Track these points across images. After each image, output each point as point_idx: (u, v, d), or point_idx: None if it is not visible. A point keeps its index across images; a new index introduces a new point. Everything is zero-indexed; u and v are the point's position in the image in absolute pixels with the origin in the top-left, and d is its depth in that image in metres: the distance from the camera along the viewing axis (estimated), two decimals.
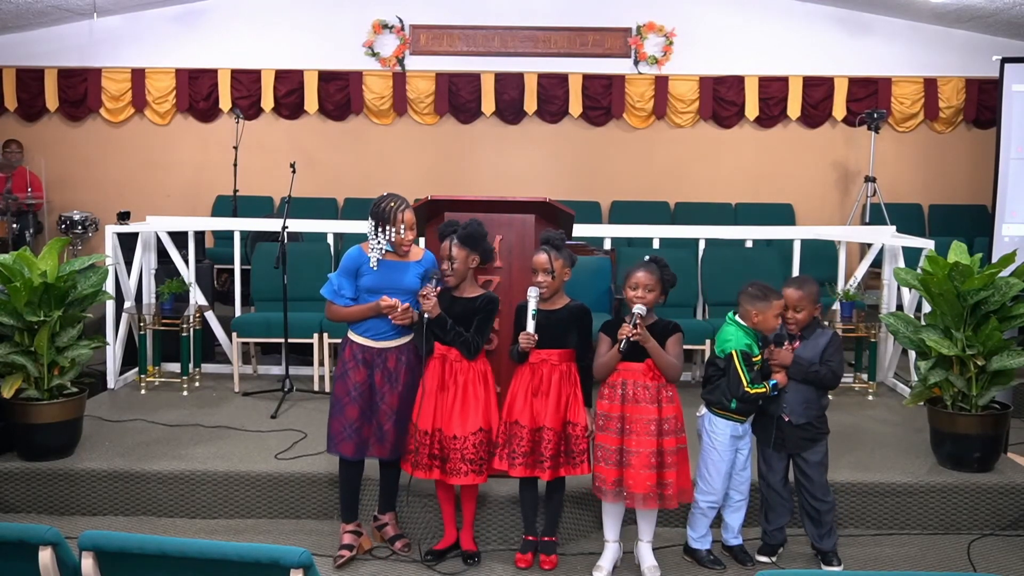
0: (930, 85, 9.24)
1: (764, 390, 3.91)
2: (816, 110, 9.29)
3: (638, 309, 3.76)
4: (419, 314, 3.91)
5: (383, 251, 3.95)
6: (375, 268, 3.94)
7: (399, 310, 3.87)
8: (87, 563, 2.51)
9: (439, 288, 3.91)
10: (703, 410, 4.04)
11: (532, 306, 3.87)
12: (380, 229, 3.91)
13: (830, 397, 4.09)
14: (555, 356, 3.90)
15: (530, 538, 4.05)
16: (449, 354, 3.95)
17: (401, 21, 9.21)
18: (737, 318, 3.96)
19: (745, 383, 3.87)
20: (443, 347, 3.96)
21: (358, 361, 3.96)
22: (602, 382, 3.88)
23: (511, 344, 3.97)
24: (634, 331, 3.71)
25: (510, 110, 9.32)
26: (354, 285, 3.97)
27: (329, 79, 9.30)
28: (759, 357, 3.92)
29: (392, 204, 3.90)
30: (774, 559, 4.09)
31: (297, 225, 6.35)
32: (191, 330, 6.07)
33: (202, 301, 6.43)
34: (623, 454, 3.78)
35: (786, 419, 3.97)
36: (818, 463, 4.01)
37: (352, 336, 4.00)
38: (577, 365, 3.92)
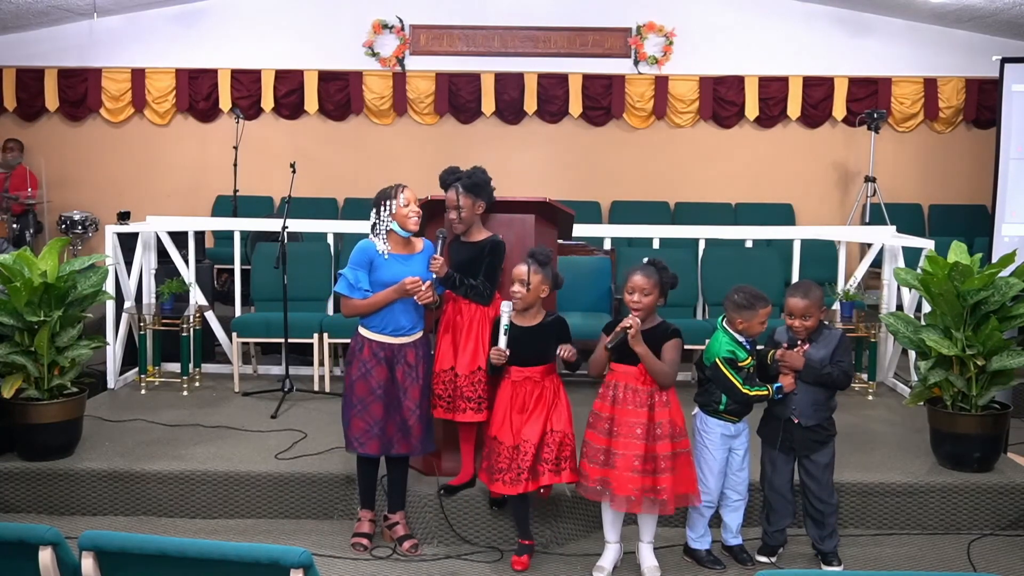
0: (930, 85, 9.24)
1: (766, 393, 3.90)
2: (816, 110, 9.29)
3: (632, 319, 3.71)
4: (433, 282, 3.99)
5: (387, 230, 3.97)
6: (385, 256, 3.97)
7: (424, 287, 3.90)
8: (87, 563, 2.51)
9: (447, 241, 4.01)
10: (696, 410, 4.04)
11: (504, 321, 3.83)
12: (383, 206, 3.97)
13: (838, 400, 4.07)
14: (538, 373, 3.89)
15: (525, 542, 4.04)
16: (459, 298, 4.06)
17: (401, 21, 9.21)
18: (724, 323, 3.95)
19: (740, 386, 3.86)
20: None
21: (379, 359, 3.97)
22: (597, 377, 3.89)
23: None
24: (609, 339, 3.72)
25: (510, 110, 9.32)
26: (368, 277, 3.98)
27: (329, 79, 9.30)
28: (747, 362, 3.90)
29: (393, 185, 4.02)
30: (774, 559, 4.09)
31: (297, 225, 6.35)
32: (191, 330, 6.07)
33: (202, 301, 6.43)
34: (609, 455, 3.78)
35: (795, 421, 3.96)
36: (825, 465, 4.00)
37: (369, 335, 4.00)
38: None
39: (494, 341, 3.88)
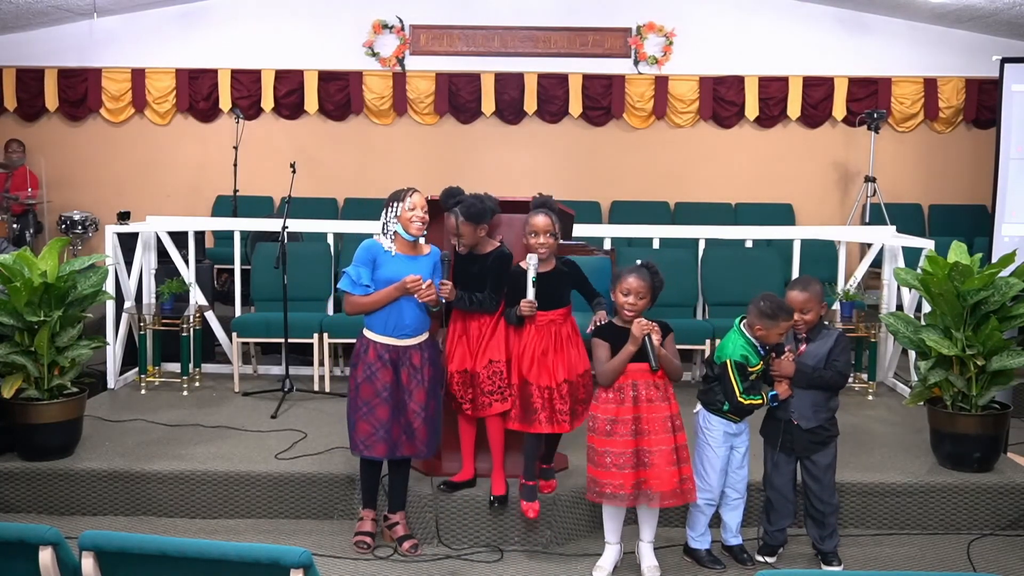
0: (930, 85, 9.24)
1: (760, 401, 3.90)
2: (816, 110, 9.29)
3: (648, 325, 3.74)
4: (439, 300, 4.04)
5: (393, 233, 3.99)
6: (392, 254, 3.98)
7: (424, 286, 3.91)
8: (87, 563, 2.51)
9: (452, 262, 4.07)
10: (699, 407, 4.04)
11: (532, 273, 3.95)
12: (390, 207, 4.00)
13: (839, 399, 4.07)
14: (560, 315, 4.05)
15: (532, 483, 4.10)
16: None
17: (401, 21, 9.21)
18: (742, 326, 3.95)
19: (738, 393, 3.87)
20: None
21: (385, 362, 3.97)
22: (608, 387, 3.84)
23: (507, 308, 4.08)
24: (639, 349, 3.75)
25: (510, 110, 9.32)
26: (371, 275, 3.99)
27: (329, 79, 9.30)
28: (757, 367, 3.91)
29: (405, 188, 4.04)
30: (774, 559, 4.09)
31: (297, 225, 6.35)
32: (191, 330, 6.07)
33: (202, 301, 6.43)
34: (640, 455, 3.76)
35: (795, 423, 3.96)
36: (827, 466, 4.01)
37: (374, 337, 4.00)
38: (594, 304, 4.10)
39: (517, 292, 4.00)
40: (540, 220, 3.99)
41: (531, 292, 3.96)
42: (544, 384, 3.98)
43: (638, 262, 3.89)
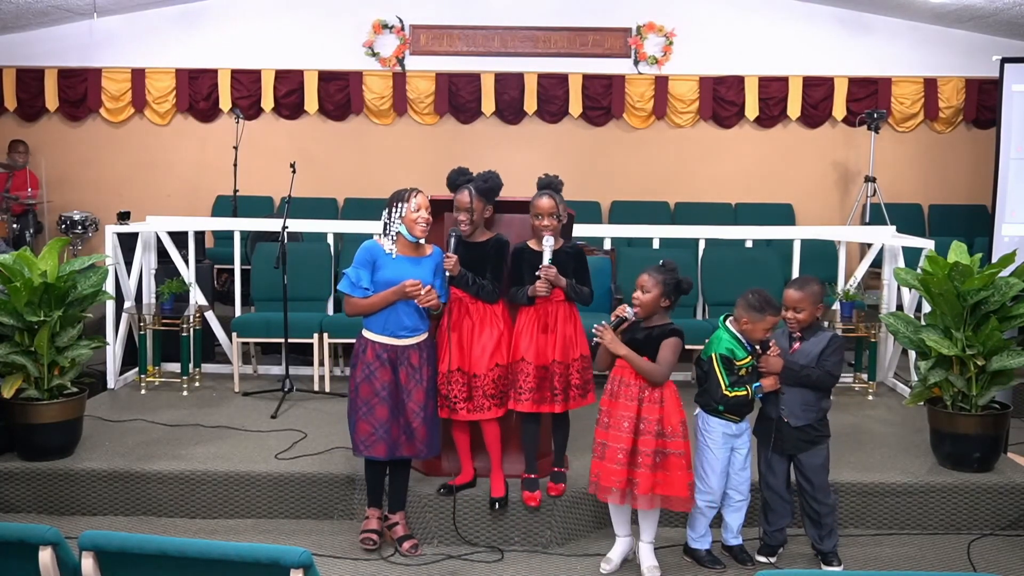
0: (930, 85, 9.24)
1: (745, 393, 3.91)
2: (816, 110, 9.29)
3: (627, 312, 3.82)
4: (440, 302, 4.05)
5: (396, 234, 3.98)
6: (392, 256, 3.98)
7: (424, 291, 3.90)
8: (87, 563, 2.51)
9: (457, 240, 4.06)
10: (697, 410, 4.04)
11: (548, 255, 4.01)
12: (394, 208, 3.98)
13: (832, 400, 4.07)
14: (559, 294, 4.08)
15: (533, 476, 4.14)
16: (464, 296, 4.09)
17: (401, 21, 9.21)
18: (728, 322, 3.96)
19: (724, 387, 3.88)
20: (458, 291, 4.09)
21: (383, 361, 3.97)
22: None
23: (512, 287, 4.12)
24: (599, 333, 3.81)
25: (510, 110, 9.32)
26: (371, 277, 3.98)
27: (329, 79, 9.30)
28: (745, 361, 3.92)
29: (408, 188, 4.04)
30: (774, 559, 4.09)
31: (297, 225, 6.35)
32: (191, 330, 6.07)
33: (202, 301, 6.43)
34: (603, 448, 3.85)
35: (784, 420, 3.97)
36: (819, 466, 4.00)
37: (372, 336, 3.99)
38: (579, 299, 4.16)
39: (521, 271, 4.07)
40: (544, 202, 4.05)
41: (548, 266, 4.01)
42: (540, 363, 4.03)
43: (660, 262, 3.92)
